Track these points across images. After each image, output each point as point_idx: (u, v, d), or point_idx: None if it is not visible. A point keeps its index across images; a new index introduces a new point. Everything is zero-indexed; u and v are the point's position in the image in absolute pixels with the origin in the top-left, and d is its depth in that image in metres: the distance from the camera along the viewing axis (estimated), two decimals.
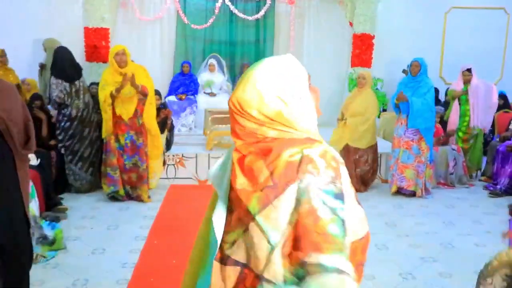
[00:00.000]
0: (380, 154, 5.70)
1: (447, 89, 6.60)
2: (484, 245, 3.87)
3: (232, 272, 1.11)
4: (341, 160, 1.09)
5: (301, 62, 1.19)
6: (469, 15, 7.93)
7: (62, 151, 4.88)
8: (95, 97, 5.04)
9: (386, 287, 3.10)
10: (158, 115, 5.18)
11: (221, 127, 5.91)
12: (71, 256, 3.48)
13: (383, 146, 5.90)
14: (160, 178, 5.41)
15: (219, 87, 7.37)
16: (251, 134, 1.12)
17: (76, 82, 4.86)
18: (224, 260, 1.13)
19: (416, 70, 5.09)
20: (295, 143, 1.08)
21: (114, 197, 4.76)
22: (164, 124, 5.43)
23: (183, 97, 7.02)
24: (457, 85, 5.97)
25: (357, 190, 1.27)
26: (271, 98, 1.09)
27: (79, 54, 6.13)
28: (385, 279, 3.18)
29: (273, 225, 1.03)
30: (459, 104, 5.97)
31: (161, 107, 5.46)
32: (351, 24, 7.47)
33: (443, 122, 6.08)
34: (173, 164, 5.61)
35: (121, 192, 4.74)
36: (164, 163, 5.46)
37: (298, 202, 1.01)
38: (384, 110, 7.63)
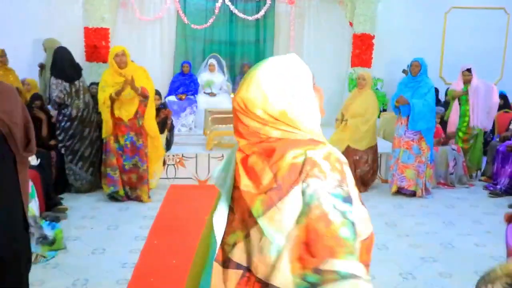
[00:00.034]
0: (380, 154, 5.70)
1: (447, 89, 6.60)
2: (484, 245, 3.87)
3: (234, 275, 1.10)
4: (345, 160, 1.09)
5: None
6: (469, 15, 7.93)
7: (62, 151, 4.88)
8: (95, 97, 5.04)
9: (386, 287, 3.10)
10: (158, 115, 5.18)
11: (221, 127, 5.91)
12: (71, 256, 3.48)
13: (383, 146, 5.90)
14: (160, 178, 5.41)
15: (219, 87, 7.37)
16: (255, 134, 1.11)
17: (76, 82, 4.86)
18: (226, 263, 1.12)
19: (416, 70, 5.10)
20: (299, 144, 1.07)
21: (113, 197, 4.76)
22: (164, 124, 5.43)
23: (183, 97, 7.02)
24: (457, 85, 5.97)
25: None
26: (275, 98, 1.09)
27: (79, 54, 6.13)
28: (385, 279, 3.18)
29: (277, 227, 1.02)
30: (459, 104, 5.97)
31: (161, 107, 5.46)
32: (351, 24, 7.47)
33: (443, 122, 6.09)
34: (173, 164, 5.61)
35: (121, 192, 4.74)
36: (164, 163, 5.46)
37: (307, 207, 1.01)
38: (384, 110, 7.63)
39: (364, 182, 5.41)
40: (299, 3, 7.76)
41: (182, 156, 5.64)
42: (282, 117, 1.09)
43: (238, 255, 1.11)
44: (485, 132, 6.29)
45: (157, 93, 5.37)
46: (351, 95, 5.69)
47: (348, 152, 5.20)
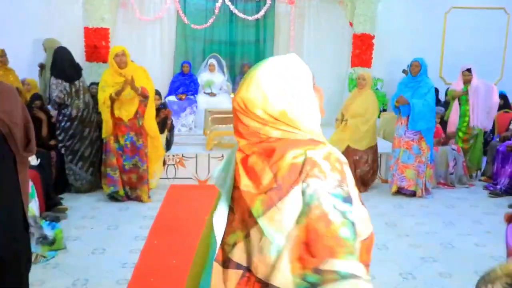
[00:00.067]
0: (380, 154, 5.70)
1: (447, 89, 6.60)
2: (484, 245, 3.87)
3: (234, 275, 1.10)
4: (345, 160, 1.09)
5: None
6: (469, 15, 7.93)
7: (62, 151, 4.88)
8: (95, 97, 5.04)
9: (386, 287, 3.10)
10: (158, 115, 5.18)
11: (221, 127, 5.91)
12: (71, 256, 3.48)
13: (383, 146, 5.90)
14: (160, 178, 5.41)
15: (219, 87, 7.37)
16: (254, 134, 1.11)
17: (76, 82, 4.86)
18: (226, 263, 1.12)
19: (416, 70, 5.10)
20: (299, 144, 1.07)
21: (113, 197, 4.76)
22: (164, 124, 5.43)
23: (183, 97, 7.02)
24: (457, 85, 5.97)
25: None
26: (275, 98, 1.09)
27: (79, 54, 6.13)
28: (385, 279, 3.18)
29: (277, 227, 1.02)
30: (459, 104, 5.97)
31: (161, 107, 5.46)
32: (351, 24, 7.46)
33: (443, 122, 6.09)
34: (173, 164, 5.61)
35: (121, 192, 4.74)
36: (164, 163, 5.46)
37: (307, 207, 1.01)
38: (384, 110, 7.63)
39: (364, 182, 5.41)
40: (299, 3, 7.76)
41: (182, 156, 5.64)
42: (282, 117, 1.09)
43: (238, 255, 1.11)
44: (485, 132, 6.29)
45: (157, 93, 5.37)
46: (351, 95, 5.69)
47: (348, 152, 5.20)
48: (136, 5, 7.26)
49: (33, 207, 3.47)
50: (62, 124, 4.85)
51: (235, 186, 1.13)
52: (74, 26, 6.80)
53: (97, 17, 6.71)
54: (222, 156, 5.66)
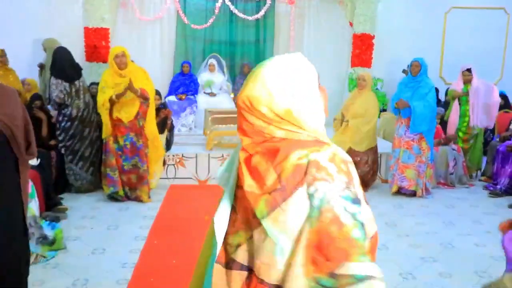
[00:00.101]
0: (380, 154, 5.70)
1: (447, 89, 6.60)
2: (484, 245, 3.87)
3: (238, 277, 1.10)
4: (349, 159, 1.09)
5: None
6: (469, 15, 7.93)
7: (62, 151, 4.88)
8: (95, 97, 5.03)
9: (386, 287, 3.09)
10: (158, 115, 5.19)
11: (221, 127, 5.91)
12: (71, 256, 3.48)
13: (383, 146, 5.90)
14: (160, 178, 5.41)
15: (219, 87, 7.37)
16: (259, 133, 1.11)
17: (76, 82, 4.86)
18: (229, 264, 1.12)
19: (416, 70, 5.10)
20: (304, 145, 1.07)
21: (113, 197, 4.76)
22: (164, 124, 5.43)
23: (183, 97, 7.02)
24: (457, 85, 5.97)
25: None
26: (281, 97, 1.08)
27: (79, 54, 6.13)
28: (385, 279, 3.14)
29: (281, 228, 1.02)
30: (459, 104, 5.97)
31: (161, 107, 5.46)
32: (351, 24, 7.46)
33: (443, 122, 6.09)
34: (173, 164, 5.61)
35: (121, 193, 4.74)
36: (164, 163, 5.46)
37: (317, 211, 1.01)
38: (384, 110, 7.63)
39: (364, 183, 5.40)
40: (299, 3, 7.76)
41: (182, 156, 5.64)
42: (287, 116, 1.09)
43: (241, 256, 1.10)
44: (485, 132, 6.29)
45: (157, 93, 5.36)
46: (351, 95, 5.68)
47: (349, 153, 5.14)
48: (136, 5, 7.26)
49: (33, 207, 3.47)
50: (62, 124, 4.85)
51: (238, 185, 1.12)
52: (74, 26, 6.80)
53: (97, 17, 6.71)
54: (222, 156, 5.66)
